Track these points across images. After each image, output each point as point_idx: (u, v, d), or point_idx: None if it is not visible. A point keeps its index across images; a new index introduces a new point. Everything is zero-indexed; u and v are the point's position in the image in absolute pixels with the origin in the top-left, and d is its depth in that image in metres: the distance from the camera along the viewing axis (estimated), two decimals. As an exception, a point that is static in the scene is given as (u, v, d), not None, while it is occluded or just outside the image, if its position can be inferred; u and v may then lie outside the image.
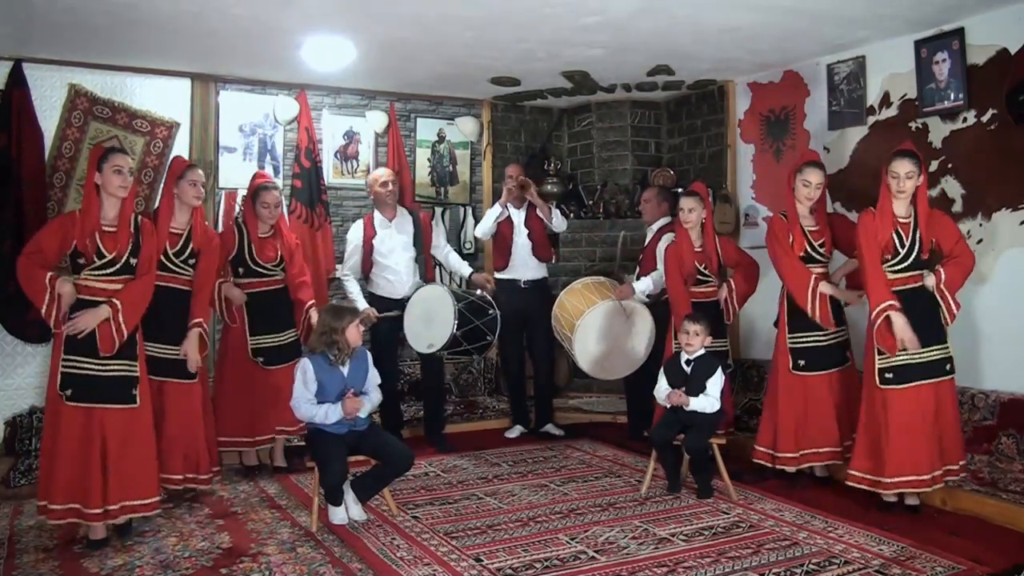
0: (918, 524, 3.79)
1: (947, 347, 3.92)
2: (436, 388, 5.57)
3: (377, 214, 5.35)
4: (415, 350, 5.23)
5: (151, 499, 3.73)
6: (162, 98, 5.43)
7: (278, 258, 4.70)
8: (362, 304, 5.17)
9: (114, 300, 3.60)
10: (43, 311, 3.56)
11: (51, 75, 5.11)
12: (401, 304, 5.22)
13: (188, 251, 4.17)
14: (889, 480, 3.84)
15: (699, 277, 4.76)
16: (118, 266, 3.65)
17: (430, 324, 5.04)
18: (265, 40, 4.81)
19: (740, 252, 4.97)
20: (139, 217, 3.81)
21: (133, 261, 3.69)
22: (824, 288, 4.22)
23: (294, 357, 4.66)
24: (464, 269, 5.62)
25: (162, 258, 4.07)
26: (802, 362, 4.30)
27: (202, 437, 4.25)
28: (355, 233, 5.34)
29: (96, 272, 3.62)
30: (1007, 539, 3.60)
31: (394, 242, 5.30)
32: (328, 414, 3.83)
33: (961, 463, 3.95)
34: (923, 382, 3.85)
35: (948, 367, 3.91)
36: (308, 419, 3.89)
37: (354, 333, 3.94)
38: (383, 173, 5.42)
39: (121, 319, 3.59)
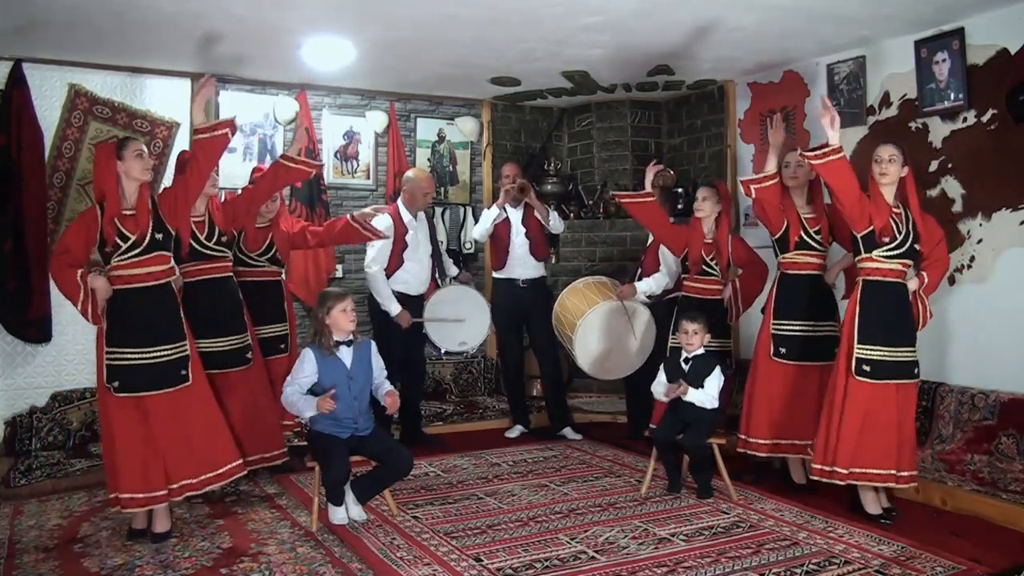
0: (918, 524, 3.79)
1: (915, 350, 3.84)
2: (419, 374, 5.52)
3: (404, 211, 5.27)
4: (443, 348, 5.53)
5: (229, 465, 3.78)
6: (162, 98, 5.43)
7: (264, 247, 4.60)
8: (396, 308, 5.15)
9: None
10: (79, 308, 3.58)
11: (51, 75, 5.11)
12: (416, 302, 5.26)
13: (217, 232, 4.17)
14: (844, 471, 3.75)
15: (704, 267, 4.74)
16: (144, 245, 3.62)
17: (462, 322, 5.36)
18: (265, 40, 4.81)
19: (750, 251, 4.95)
20: (155, 197, 3.80)
21: (159, 236, 3.67)
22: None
23: (279, 347, 4.68)
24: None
25: (196, 246, 4.08)
26: (783, 350, 4.25)
27: (269, 418, 4.35)
28: (384, 227, 5.07)
29: (125, 257, 3.60)
30: (1007, 539, 3.60)
31: (420, 239, 5.33)
32: (303, 407, 3.79)
33: (912, 473, 3.83)
34: (891, 381, 3.77)
35: (915, 370, 3.84)
36: (287, 405, 3.88)
37: (339, 318, 3.85)
38: (429, 182, 5.41)
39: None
